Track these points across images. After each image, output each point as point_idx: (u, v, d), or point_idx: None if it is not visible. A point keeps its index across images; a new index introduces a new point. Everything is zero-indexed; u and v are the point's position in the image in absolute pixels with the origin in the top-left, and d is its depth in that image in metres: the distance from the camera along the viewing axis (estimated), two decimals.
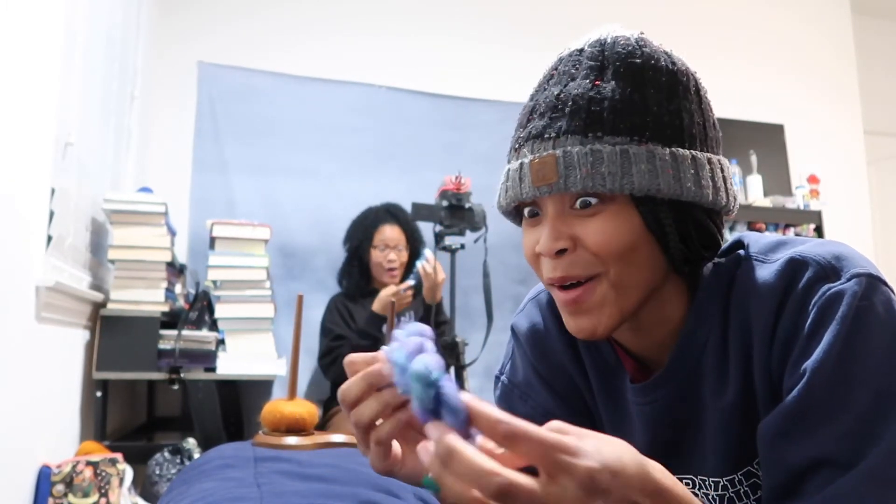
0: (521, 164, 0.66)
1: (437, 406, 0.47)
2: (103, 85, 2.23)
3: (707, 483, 0.71)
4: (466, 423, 0.46)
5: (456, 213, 2.32)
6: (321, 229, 3.01)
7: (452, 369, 2.47)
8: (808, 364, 0.59)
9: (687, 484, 0.72)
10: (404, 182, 3.10)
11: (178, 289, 2.36)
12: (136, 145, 2.75)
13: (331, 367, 2.52)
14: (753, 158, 3.69)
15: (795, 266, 0.63)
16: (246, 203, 2.98)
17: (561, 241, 0.65)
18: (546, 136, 0.65)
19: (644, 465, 0.47)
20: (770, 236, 0.71)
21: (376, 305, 2.50)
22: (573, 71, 0.67)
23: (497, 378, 0.87)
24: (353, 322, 2.58)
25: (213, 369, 2.15)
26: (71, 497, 1.66)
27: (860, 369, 0.57)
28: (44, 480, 1.64)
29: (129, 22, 2.55)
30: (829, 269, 0.62)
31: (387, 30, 3.38)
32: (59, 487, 1.65)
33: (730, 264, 0.70)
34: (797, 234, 3.63)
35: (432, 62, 3.41)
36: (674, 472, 0.58)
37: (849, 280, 0.60)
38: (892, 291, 0.62)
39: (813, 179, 3.80)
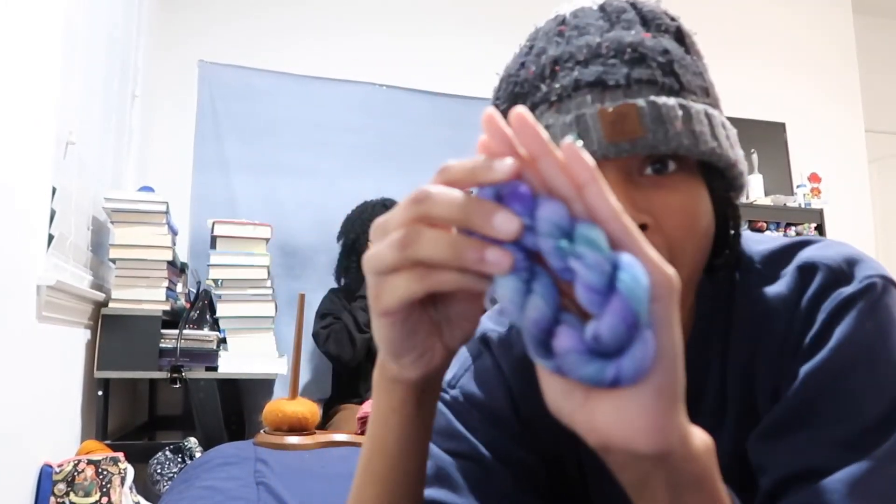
0: (579, 116, 0.51)
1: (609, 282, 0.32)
2: (104, 84, 2.23)
3: None
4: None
5: None
6: (322, 228, 3.01)
7: None
8: (807, 367, 0.52)
9: None
10: (404, 180, 3.10)
11: (179, 288, 2.36)
12: (137, 144, 2.75)
13: (329, 337, 2.50)
14: (754, 157, 3.68)
15: (805, 272, 0.56)
16: (247, 202, 2.99)
17: (643, 214, 0.50)
18: (611, 82, 0.51)
19: None
20: (764, 242, 0.62)
21: None
22: (600, 23, 0.54)
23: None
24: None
25: (214, 368, 2.15)
26: (72, 496, 1.66)
27: (870, 375, 0.50)
28: (45, 479, 1.64)
29: (129, 21, 2.55)
30: (840, 274, 0.54)
31: (386, 29, 3.38)
32: (61, 486, 1.65)
33: (726, 278, 0.60)
34: (798, 234, 3.63)
35: (432, 61, 3.41)
36: None
37: (862, 283, 0.53)
38: None
39: (814, 178, 3.80)
